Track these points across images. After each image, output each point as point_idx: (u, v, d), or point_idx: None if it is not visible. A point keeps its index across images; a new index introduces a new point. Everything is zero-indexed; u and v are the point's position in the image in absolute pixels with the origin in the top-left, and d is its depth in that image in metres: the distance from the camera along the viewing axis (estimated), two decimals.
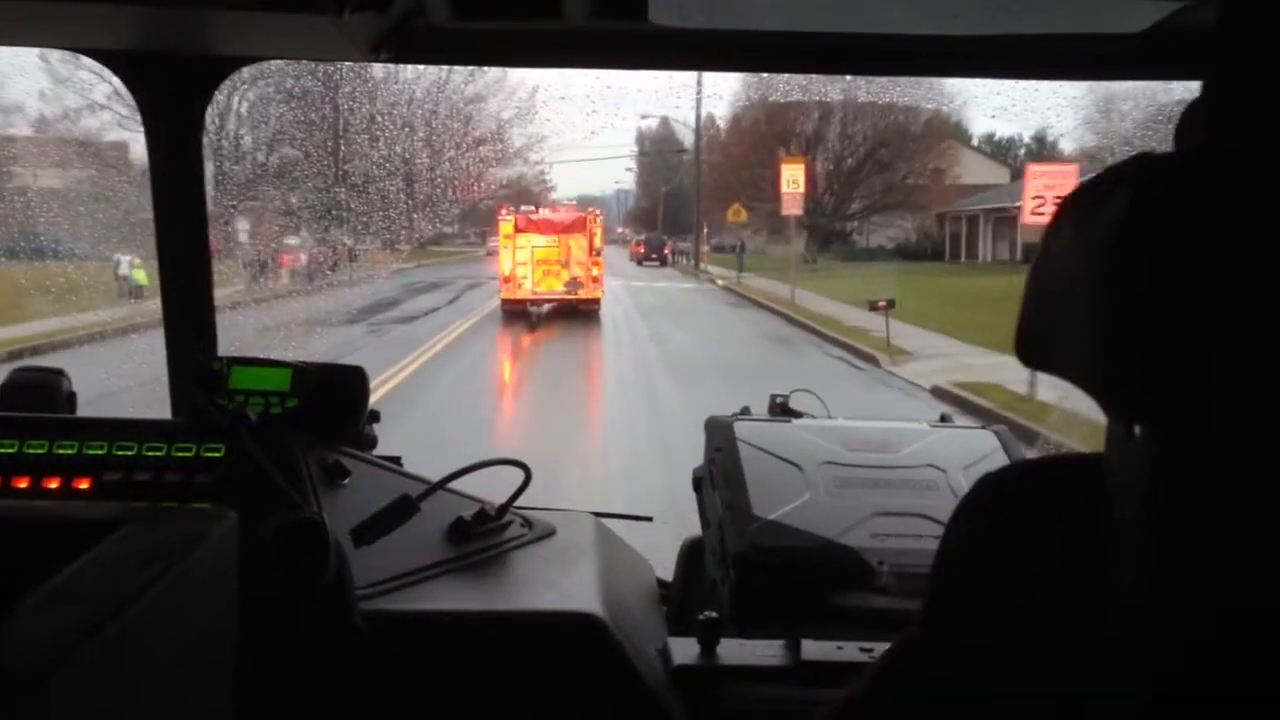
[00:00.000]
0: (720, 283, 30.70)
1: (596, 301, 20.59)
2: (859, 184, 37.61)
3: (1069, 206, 0.67)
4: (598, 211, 22.52)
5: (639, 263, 42.81)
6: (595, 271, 20.69)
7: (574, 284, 20.49)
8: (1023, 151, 44.53)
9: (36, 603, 0.96)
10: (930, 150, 36.82)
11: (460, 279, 29.53)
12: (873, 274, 29.07)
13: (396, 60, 1.80)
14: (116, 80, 1.87)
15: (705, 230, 40.25)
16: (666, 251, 43.36)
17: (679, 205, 51.44)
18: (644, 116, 36.66)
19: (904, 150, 36.53)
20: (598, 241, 20.98)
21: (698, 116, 38.91)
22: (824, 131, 37.00)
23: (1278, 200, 0.57)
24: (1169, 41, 1.64)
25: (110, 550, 1.10)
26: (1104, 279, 0.60)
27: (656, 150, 55.34)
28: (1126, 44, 1.68)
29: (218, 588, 1.22)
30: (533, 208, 22.41)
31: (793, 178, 23.95)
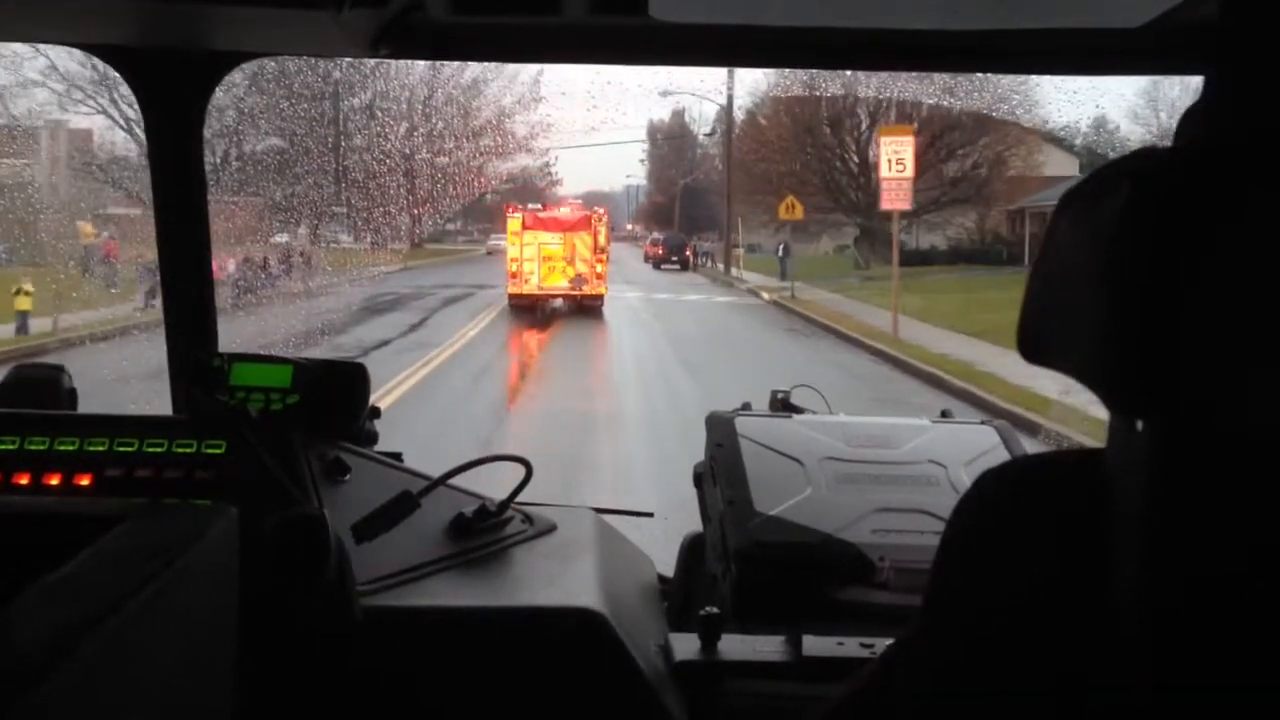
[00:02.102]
0: (766, 296, 24.32)
1: (600, 298, 21.22)
2: (922, 173, 30.86)
3: (1070, 201, 0.67)
4: (603, 210, 22.96)
5: (656, 265, 37.39)
6: (599, 268, 21.38)
7: (579, 280, 21.11)
8: (1079, 141, 40.62)
9: (37, 597, 0.97)
10: (1007, 136, 30.15)
11: (441, 289, 23.75)
12: (959, 284, 22.28)
13: (395, 55, 1.80)
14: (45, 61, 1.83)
15: (740, 228, 34.89)
16: (688, 253, 37.77)
17: (698, 200, 47.73)
18: (664, 93, 32.42)
19: (975, 135, 30.13)
20: (602, 239, 21.63)
21: (729, 98, 33.75)
22: (879, 112, 30.31)
23: (1277, 195, 0.56)
24: (1169, 36, 1.63)
25: (111, 545, 1.11)
26: (1105, 274, 0.60)
27: (673, 145, 52.52)
28: (1127, 39, 1.68)
29: (218, 583, 1.22)
30: (540, 205, 22.91)
31: (895, 155, 16.13)
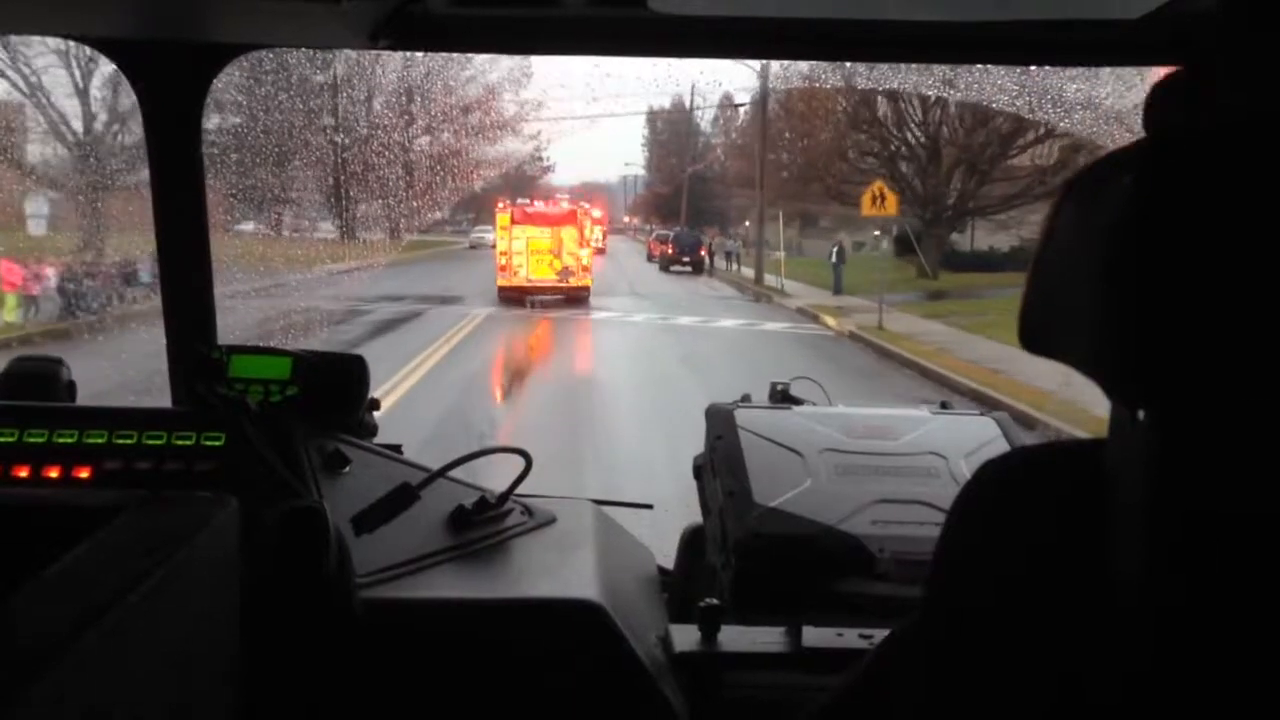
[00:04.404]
0: (833, 323, 17.58)
1: (586, 289, 22.16)
2: (1002, 161, 25.60)
3: (1072, 190, 0.67)
4: (589, 206, 23.61)
5: (664, 267, 32.06)
6: (586, 261, 22.41)
7: (565, 273, 22.03)
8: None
9: (37, 589, 0.96)
10: None
11: (383, 303, 17.14)
12: None
13: (395, 47, 1.80)
14: None
15: (780, 225, 28.77)
16: (702, 253, 32.17)
17: (708, 191, 44.10)
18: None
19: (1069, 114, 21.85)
20: (588, 233, 22.63)
21: (763, 68, 27.03)
22: (948, 91, 23.08)
23: (1276, 185, 0.57)
24: (1164, 28, 1.64)
25: (111, 537, 1.10)
26: (1107, 263, 0.60)
27: (675, 132, 49.84)
28: (1122, 30, 1.68)
29: (218, 575, 1.22)
30: (529, 200, 23.73)
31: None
